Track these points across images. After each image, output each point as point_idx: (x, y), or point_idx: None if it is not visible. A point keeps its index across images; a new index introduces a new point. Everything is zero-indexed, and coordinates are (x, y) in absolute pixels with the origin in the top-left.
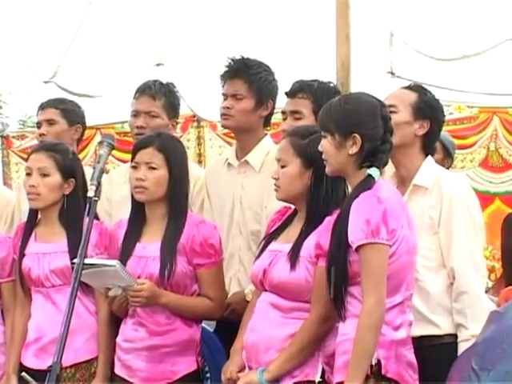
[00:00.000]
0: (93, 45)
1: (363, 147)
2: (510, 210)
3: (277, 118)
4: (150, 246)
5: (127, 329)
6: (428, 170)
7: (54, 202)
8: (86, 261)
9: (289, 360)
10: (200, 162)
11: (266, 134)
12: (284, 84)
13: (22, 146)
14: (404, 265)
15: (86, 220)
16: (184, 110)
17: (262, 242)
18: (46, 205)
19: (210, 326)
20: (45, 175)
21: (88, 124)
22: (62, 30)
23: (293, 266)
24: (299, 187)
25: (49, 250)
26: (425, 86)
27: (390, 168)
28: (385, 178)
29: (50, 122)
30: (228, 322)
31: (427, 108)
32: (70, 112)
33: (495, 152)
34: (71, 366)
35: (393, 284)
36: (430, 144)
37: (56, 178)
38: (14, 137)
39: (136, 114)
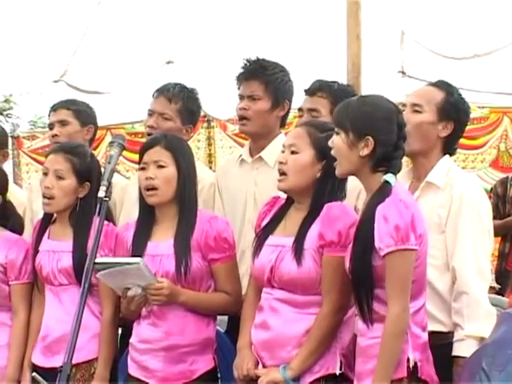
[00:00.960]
0: (102, 43)
1: (375, 151)
2: None
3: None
4: (162, 244)
5: (142, 329)
6: (442, 168)
7: (67, 205)
8: (108, 259)
9: (309, 355)
10: (210, 162)
11: (280, 132)
12: (295, 84)
13: (32, 147)
14: (426, 267)
15: (97, 220)
16: None
17: (258, 236)
18: (59, 209)
19: (220, 326)
20: (60, 178)
21: (98, 124)
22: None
23: (299, 260)
24: (306, 178)
25: (58, 249)
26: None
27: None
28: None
29: (63, 123)
30: (239, 323)
31: (452, 109)
32: (82, 112)
33: (506, 152)
34: (72, 366)
35: (418, 287)
36: (450, 145)
37: (71, 181)
38: (24, 137)
39: (151, 114)
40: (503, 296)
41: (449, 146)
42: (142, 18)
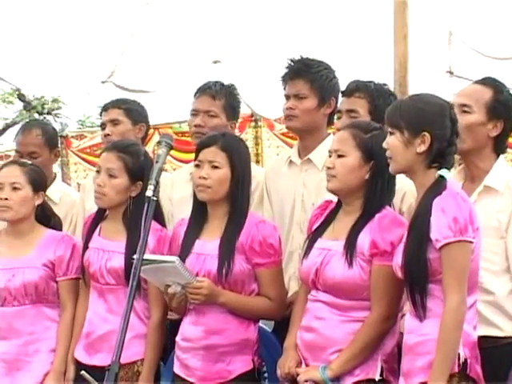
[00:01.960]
0: (150, 43)
1: (432, 146)
2: None
3: None
4: (209, 244)
5: (185, 327)
6: (500, 171)
7: (119, 203)
8: (146, 256)
9: (351, 359)
10: (257, 161)
11: (329, 134)
12: (342, 84)
13: (80, 146)
14: (477, 265)
15: (149, 222)
16: (241, 110)
17: (308, 239)
18: (111, 205)
19: (268, 325)
20: (112, 176)
21: None
22: (119, 30)
23: (350, 264)
24: (355, 180)
25: (108, 248)
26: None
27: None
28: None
29: (115, 122)
30: (286, 322)
31: (502, 107)
32: (134, 111)
33: None
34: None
35: (470, 284)
36: (501, 143)
37: (123, 180)
38: (72, 137)
39: (195, 113)
40: None
41: (499, 145)
42: (189, 18)
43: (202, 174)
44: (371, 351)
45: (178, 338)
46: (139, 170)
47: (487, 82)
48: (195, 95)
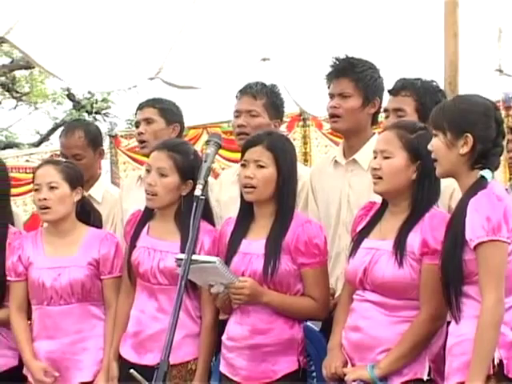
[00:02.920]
0: (199, 39)
1: (475, 148)
2: None
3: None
4: (255, 243)
5: (231, 327)
6: None
7: (170, 203)
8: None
9: (400, 358)
10: (306, 161)
11: (374, 133)
12: (392, 83)
13: (129, 145)
14: None
15: (203, 223)
16: (290, 109)
17: (354, 240)
18: (162, 205)
19: (315, 325)
20: (163, 175)
21: (195, 123)
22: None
23: (400, 263)
24: (402, 181)
25: (160, 248)
26: None
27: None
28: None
29: (148, 121)
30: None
31: None
32: (168, 111)
33: None
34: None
35: (508, 285)
36: None
37: (174, 179)
38: (122, 136)
39: (238, 115)
40: None
41: None
42: (237, 14)
43: (247, 174)
44: (419, 351)
45: (223, 337)
46: (189, 168)
47: None
48: (237, 97)
